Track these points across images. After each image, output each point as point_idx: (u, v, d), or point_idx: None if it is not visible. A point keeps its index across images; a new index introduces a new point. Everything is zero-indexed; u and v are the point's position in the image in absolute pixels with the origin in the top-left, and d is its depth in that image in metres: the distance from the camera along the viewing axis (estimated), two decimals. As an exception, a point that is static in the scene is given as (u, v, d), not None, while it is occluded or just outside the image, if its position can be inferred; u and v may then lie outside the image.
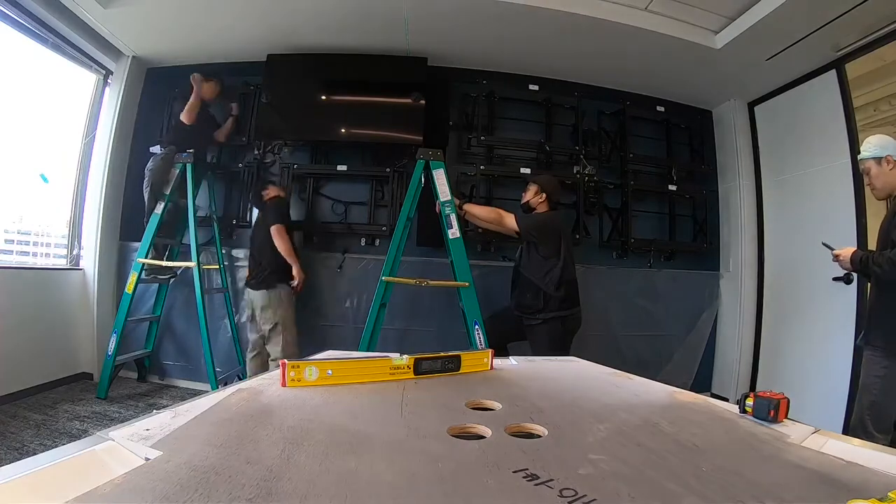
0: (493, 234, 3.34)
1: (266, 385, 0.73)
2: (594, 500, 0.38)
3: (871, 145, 1.90)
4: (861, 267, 1.83)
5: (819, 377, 2.86)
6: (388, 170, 3.26)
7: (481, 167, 3.25)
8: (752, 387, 3.40)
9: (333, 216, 3.31)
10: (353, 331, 2.91)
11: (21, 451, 2.03)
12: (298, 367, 0.74)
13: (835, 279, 2.77)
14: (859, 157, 1.96)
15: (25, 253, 3.12)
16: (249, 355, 2.89)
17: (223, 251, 3.22)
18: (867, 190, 2.71)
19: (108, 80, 3.35)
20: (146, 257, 2.90)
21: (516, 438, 0.55)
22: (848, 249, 1.90)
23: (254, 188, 3.18)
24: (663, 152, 3.61)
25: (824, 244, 2.00)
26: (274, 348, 2.78)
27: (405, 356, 0.83)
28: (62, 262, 3.25)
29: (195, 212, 2.89)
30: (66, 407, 2.62)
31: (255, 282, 2.80)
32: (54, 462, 0.41)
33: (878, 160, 1.86)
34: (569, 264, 2.49)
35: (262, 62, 3.23)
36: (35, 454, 0.45)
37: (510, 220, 2.53)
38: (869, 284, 2.00)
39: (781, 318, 3.29)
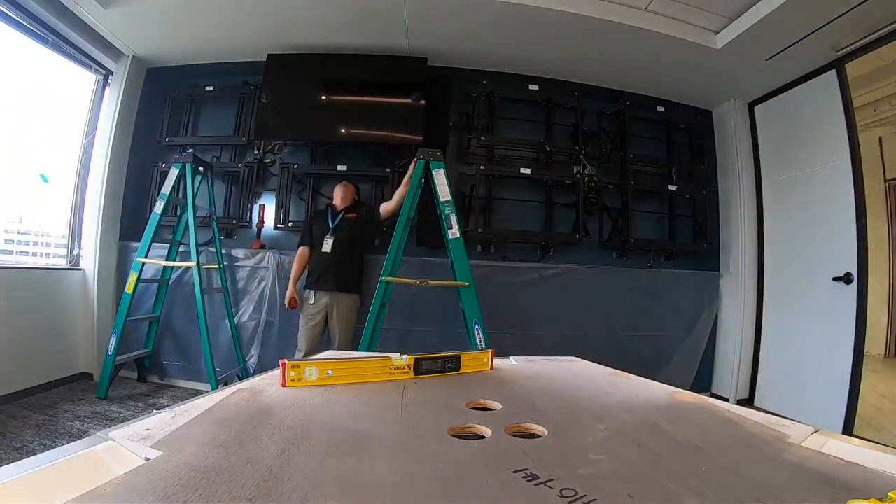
0: (493, 234, 3.35)
1: (266, 385, 0.73)
2: (594, 500, 0.38)
3: None
4: None
5: (819, 377, 2.86)
6: (388, 170, 3.27)
7: (481, 167, 3.25)
8: (752, 387, 3.40)
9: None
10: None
11: (21, 451, 2.03)
12: (298, 367, 0.74)
13: (835, 279, 2.77)
14: None
15: (25, 253, 3.11)
16: None
17: (223, 251, 3.21)
18: (867, 190, 2.72)
19: (108, 80, 3.36)
20: (146, 257, 2.90)
21: (516, 438, 0.55)
22: None
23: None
24: (663, 152, 3.61)
25: None
26: None
27: (405, 356, 0.82)
28: (62, 262, 3.25)
29: (195, 212, 2.89)
30: (66, 407, 2.62)
31: None
32: (54, 462, 0.41)
33: None
34: None
35: (262, 62, 3.24)
36: (35, 454, 0.45)
37: None
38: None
39: (781, 318, 3.29)
